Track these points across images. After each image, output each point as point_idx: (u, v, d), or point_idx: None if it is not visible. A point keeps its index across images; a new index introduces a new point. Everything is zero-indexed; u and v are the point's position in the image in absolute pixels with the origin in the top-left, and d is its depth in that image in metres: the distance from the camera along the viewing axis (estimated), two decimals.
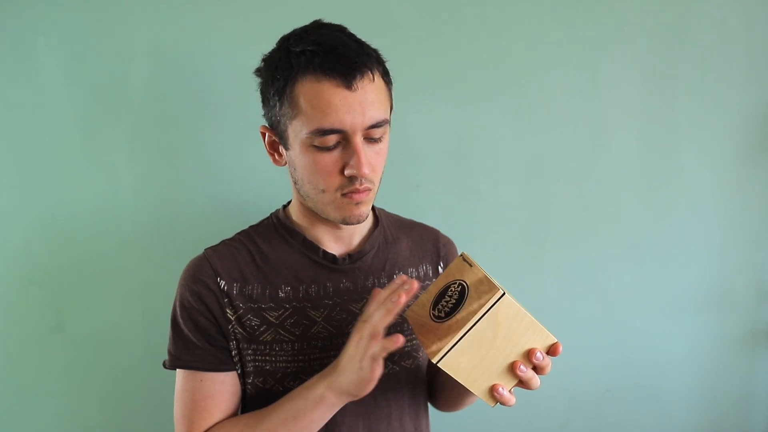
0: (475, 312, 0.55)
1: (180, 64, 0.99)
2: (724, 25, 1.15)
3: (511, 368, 0.59)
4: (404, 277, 0.59)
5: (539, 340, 0.61)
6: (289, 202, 0.77)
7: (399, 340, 0.54)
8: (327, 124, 0.59)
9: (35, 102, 0.96)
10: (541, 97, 1.11)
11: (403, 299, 0.55)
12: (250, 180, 1.03)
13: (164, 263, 0.99)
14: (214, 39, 1.00)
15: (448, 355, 0.56)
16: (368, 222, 0.76)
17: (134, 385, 1.03)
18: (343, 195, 0.63)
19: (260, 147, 1.00)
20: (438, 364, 0.56)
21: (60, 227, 0.99)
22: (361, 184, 0.62)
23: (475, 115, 1.10)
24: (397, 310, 0.55)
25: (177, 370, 0.68)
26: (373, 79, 0.61)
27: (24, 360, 1.00)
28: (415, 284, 0.56)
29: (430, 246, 0.80)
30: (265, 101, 0.66)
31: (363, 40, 0.65)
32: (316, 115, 0.59)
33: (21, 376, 1.01)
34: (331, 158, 0.61)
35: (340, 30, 0.64)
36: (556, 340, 0.61)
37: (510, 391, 0.61)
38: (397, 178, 1.08)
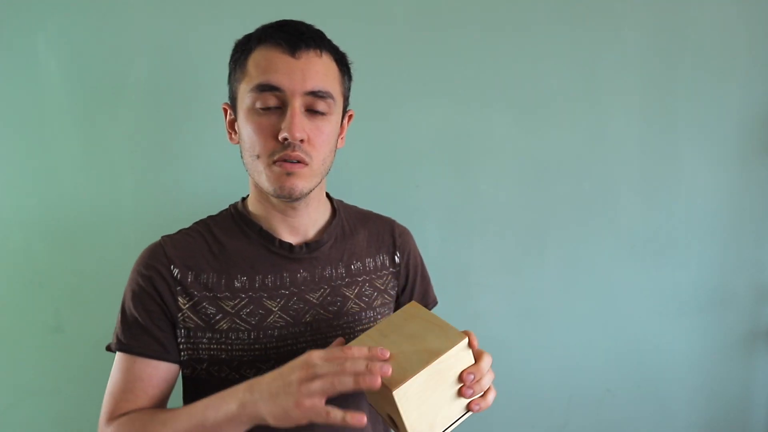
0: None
1: (180, 64, 0.99)
2: (724, 25, 1.15)
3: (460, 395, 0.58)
4: (386, 355, 0.55)
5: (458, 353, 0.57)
6: (247, 195, 0.76)
7: (362, 420, 0.50)
8: (265, 80, 0.62)
9: (35, 101, 0.96)
10: (541, 97, 1.11)
11: (378, 384, 0.50)
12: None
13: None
14: (214, 39, 1.00)
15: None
16: (325, 213, 0.76)
17: None
18: (275, 162, 0.63)
19: None
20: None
21: (60, 227, 0.99)
22: (293, 150, 0.63)
23: (475, 115, 1.10)
24: (364, 387, 0.51)
25: (117, 354, 0.67)
26: (321, 55, 0.65)
27: (24, 360, 1.00)
28: (389, 371, 0.52)
29: (386, 236, 0.80)
30: (228, 78, 0.70)
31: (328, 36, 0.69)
32: (258, 73, 0.63)
33: (21, 376, 1.01)
34: (269, 121, 0.63)
35: (302, 21, 0.68)
36: (465, 337, 0.57)
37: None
38: (397, 178, 1.08)
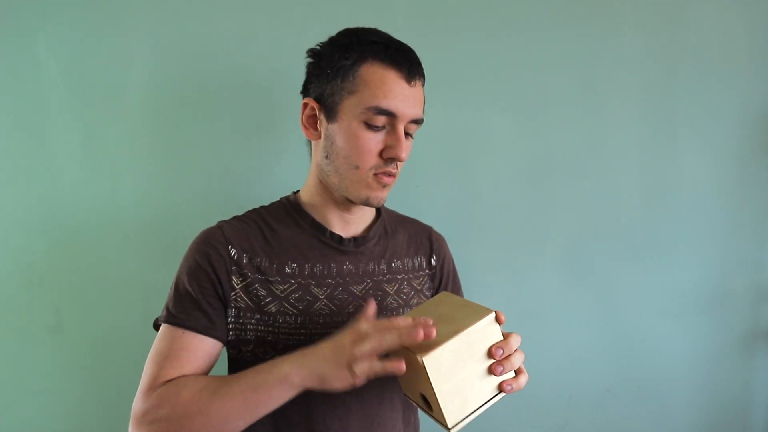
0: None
1: (180, 64, 0.99)
2: (724, 25, 1.15)
3: (491, 372, 0.60)
4: (430, 321, 0.57)
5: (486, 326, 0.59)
6: (298, 190, 0.80)
7: (402, 368, 0.55)
8: (384, 105, 0.66)
9: (35, 101, 0.96)
10: (541, 97, 1.11)
11: (420, 336, 0.54)
12: (250, 179, 1.03)
13: (164, 263, 0.99)
14: (214, 39, 1.00)
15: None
16: (372, 212, 0.82)
17: (134, 385, 1.03)
18: (375, 175, 0.69)
19: (261, 146, 1.01)
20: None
21: (60, 227, 0.99)
22: (394, 168, 0.70)
23: (474, 115, 1.10)
24: (408, 342, 0.55)
25: (163, 325, 0.68)
26: (423, 84, 0.72)
27: (24, 360, 1.00)
28: (433, 332, 0.55)
29: (424, 240, 0.85)
30: (319, 76, 0.71)
31: None
32: (377, 94, 0.66)
33: (21, 376, 1.01)
34: (376, 139, 0.68)
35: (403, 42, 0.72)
36: (492, 312, 0.60)
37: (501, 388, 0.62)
38: (398, 177, 1.08)
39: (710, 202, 1.19)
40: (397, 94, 0.66)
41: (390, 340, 0.55)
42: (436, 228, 0.90)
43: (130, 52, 0.98)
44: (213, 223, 0.75)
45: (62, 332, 1.01)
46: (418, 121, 0.70)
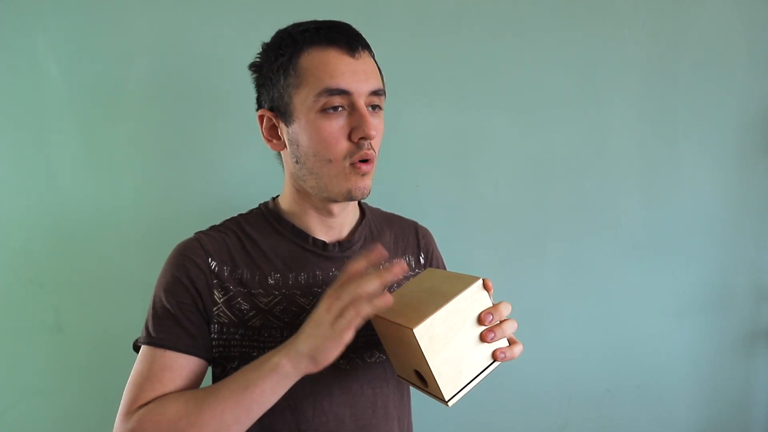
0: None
1: (180, 64, 0.99)
2: (724, 25, 1.15)
3: (482, 340, 0.60)
4: (384, 251, 0.58)
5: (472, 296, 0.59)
6: (277, 196, 0.77)
7: (389, 300, 0.53)
8: (333, 84, 0.62)
9: (35, 101, 0.96)
10: (541, 97, 1.11)
11: (400, 273, 0.54)
12: (250, 180, 1.03)
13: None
14: (213, 39, 1.00)
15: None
16: (355, 214, 0.78)
17: None
18: (351, 164, 0.64)
19: (262, 147, 1.01)
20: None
21: (60, 227, 0.99)
22: (368, 149, 0.64)
23: (475, 115, 1.10)
24: (389, 280, 0.54)
25: (143, 347, 0.64)
26: (369, 55, 0.67)
27: (24, 360, 1.00)
28: (405, 266, 0.55)
29: (411, 238, 0.82)
30: (265, 84, 0.68)
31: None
32: (323, 77, 0.62)
33: (21, 376, 1.01)
34: (338, 124, 0.63)
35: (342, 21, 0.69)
36: (480, 278, 0.59)
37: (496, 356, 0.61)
38: (397, 178, 1.08)
39: (710, 202, 1.19)
40: (344, 70, 0.62)
41: (365, 309, 0.53)
42: (437, 228, 0.89)
43: (130, 52, 0.98)
44: (213, 222, 0.75)
45: (62, 332, 1.01)
46: (378, 92, 0.66)
